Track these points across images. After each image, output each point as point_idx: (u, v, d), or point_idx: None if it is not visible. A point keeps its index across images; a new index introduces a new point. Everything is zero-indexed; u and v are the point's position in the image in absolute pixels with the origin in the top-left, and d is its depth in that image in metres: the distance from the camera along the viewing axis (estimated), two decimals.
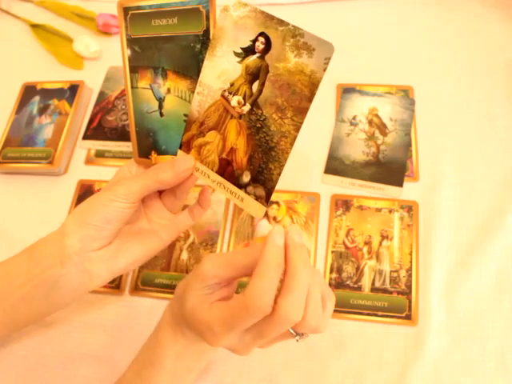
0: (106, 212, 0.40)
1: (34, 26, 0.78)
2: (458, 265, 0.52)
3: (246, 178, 0.38)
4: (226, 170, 0.39)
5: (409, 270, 0.52)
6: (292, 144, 0.35)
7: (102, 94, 0.70)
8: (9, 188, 0.65)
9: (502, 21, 0.68)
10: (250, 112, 0.36)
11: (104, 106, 0.69)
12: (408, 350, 0.49)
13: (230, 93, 0.37)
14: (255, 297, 0.31)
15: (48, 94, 0.69)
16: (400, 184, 0.57)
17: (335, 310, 0.51)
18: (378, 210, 0.56)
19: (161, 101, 0.43)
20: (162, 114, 0.43)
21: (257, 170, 0.37)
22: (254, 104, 0.36)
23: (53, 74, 0.73)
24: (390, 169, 0.58)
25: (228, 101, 0.37)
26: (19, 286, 0.42)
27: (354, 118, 0.62)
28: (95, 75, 0.72)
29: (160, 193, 0.46)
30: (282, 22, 0.33)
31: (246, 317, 0.32)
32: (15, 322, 0.45)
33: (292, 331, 0.35)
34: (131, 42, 0.42)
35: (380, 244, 0.54)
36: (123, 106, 0.68)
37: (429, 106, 0.62)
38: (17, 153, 0.65)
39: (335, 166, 0.59)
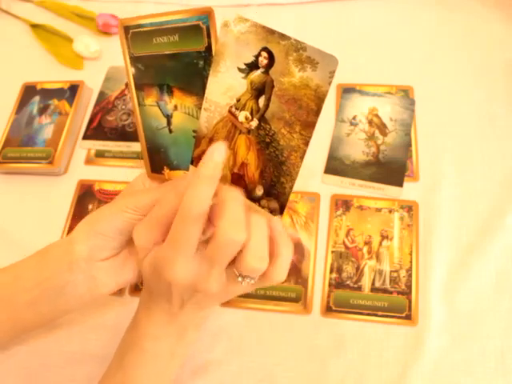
0: (117, 222, 0.40)
1: (34, 26, 0.78)
2: (458, 265, 0.52)
3: (259, 191, 0.38)
4: (239, 184, 0.38)
5: (409, 270, 0.52)
6: (302, 158, 0.35)
7: (101, 94, 0.70)
8: (9, 188, 0.65)
9: (502, 21, 0.68)
10: (259, 127, 0.36)
11: (104, 106, 0.69)
12: (408, 350, 0.49)
13: (236, 108, 0.37)
14: (190, 203, 0.33)
15: (48, 94, 0.69)
16: (400, 184, 0.57)
17: (335, 310, 0.52)
18: (378, 210, 0.56)
19: (169, 117, 0.43)
20: (170, 131, 0.43)
21: (269, 183, 0.37)
22: (262, 119, 0.36)
23: (53, 74, 0.73)
24: (390, 169, 0.58)
25: (235, 116, 0.37)
26: (26, 291, 0.42)
27: (354, 118, 0.62)
28: (95, 75, 0.72)
29: None
30: (283, 36, 0.33)
31: (186, 225, 0.33)
32: (19, 327, 0.45)
33: (236, 272, 0.35)
34: (134, 60, 0.42)
35: (380, 244, 0.54)
36: (123, 106, 0.68)
37: (429, 106, 0.62)
38: (17, 153, 0.65)
39: (335, 166, 0.59)
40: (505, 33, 0.66)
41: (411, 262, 0.53)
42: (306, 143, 0.34)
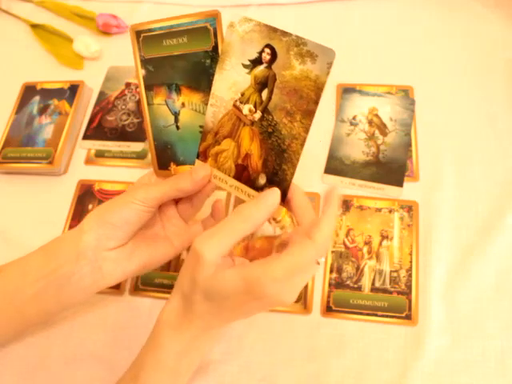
0: (125, 213, 0.42)
1: (34, 26, 0.78)
2: (458, 265, 0.52)
3: (262, 180, 0.40)
4: (243, 174, 0.41)
5: (409, 270, 0.52)
6: (302, 145, 0.37)
7: (101, 94, 0.70)
8: (9, 188, 0.65)
9: (502, 21, 0.68)
10: (261, 118, 0.39)
11: (104, 105, 0.69)
12: (408, 350, 0.49)
13: (241, 102, 0.40)
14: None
15: (48, 93, 0.69)
16: (400, 184, 0.57)
17: (335, 310, 0.52)
18: (378, 209, 0.56)
19: (176, 115, 0.45)
20: (178, 128, 0.45)
21: (271, 171, 0.39)
22: (265, 111, 0.38)
23: (53, 74, 0.73)
24: (390, 169, 0.58)
25: (240, 110, 0.40)
26: (32, 283, 0.43)
27: (354, 118, 0.62)
28: (95, 75, 0.72)
29: (176, 201, 0.48)
30: (285, 33, 0.36)
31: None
32: (24, 322, 0.46)
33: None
34: (145, 62, 0.45)
35: (380, 244, 0.54)
36: (123, 106, 0.68)
37: (429, 106, 0.62)
38: (17, 153, 0.65)
39: (335, 165, 0.59)
40: (505, 33, 0.66)
41: (411, 262, 0.53)
42: (306, 131, 0.36)
